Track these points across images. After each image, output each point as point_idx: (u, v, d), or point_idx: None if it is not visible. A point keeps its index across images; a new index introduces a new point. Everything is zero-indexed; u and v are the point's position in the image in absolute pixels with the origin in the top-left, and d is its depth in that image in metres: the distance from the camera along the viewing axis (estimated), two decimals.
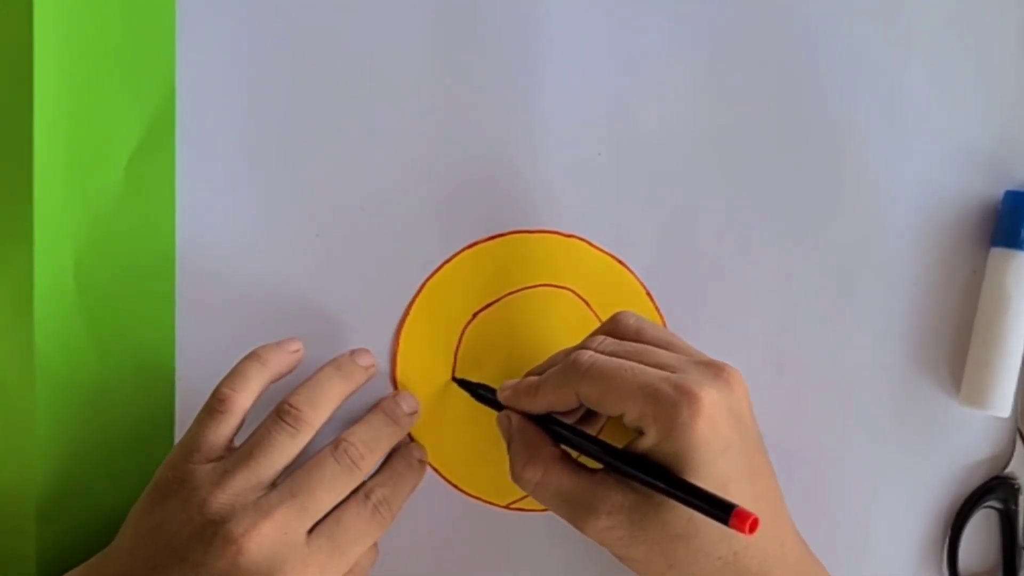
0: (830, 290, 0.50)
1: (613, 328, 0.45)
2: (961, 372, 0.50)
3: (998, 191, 0.50)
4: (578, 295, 0.49)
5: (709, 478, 0.39)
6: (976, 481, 0.51)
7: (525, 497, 0.49)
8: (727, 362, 0.42)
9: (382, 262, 0.48)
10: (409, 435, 0.48)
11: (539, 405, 0.44)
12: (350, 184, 0.48)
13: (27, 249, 0.45)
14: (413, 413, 0.47)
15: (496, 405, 0.46)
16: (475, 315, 0.49)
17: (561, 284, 0.49)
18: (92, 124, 0.46)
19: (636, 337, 0.44)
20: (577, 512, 0.42)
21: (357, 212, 0.48)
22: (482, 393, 0.48)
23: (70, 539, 0.46)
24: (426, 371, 0.49)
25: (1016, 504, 0.50)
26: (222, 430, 0.42)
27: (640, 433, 0.41)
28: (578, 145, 0.49)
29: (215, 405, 0.43)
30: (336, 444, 0.43)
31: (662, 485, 0.39)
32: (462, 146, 0.49)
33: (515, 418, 0.45)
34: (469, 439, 0.49)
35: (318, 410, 0.44)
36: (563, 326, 0.49)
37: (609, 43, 0.49)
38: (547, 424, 0.44)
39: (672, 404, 0.39)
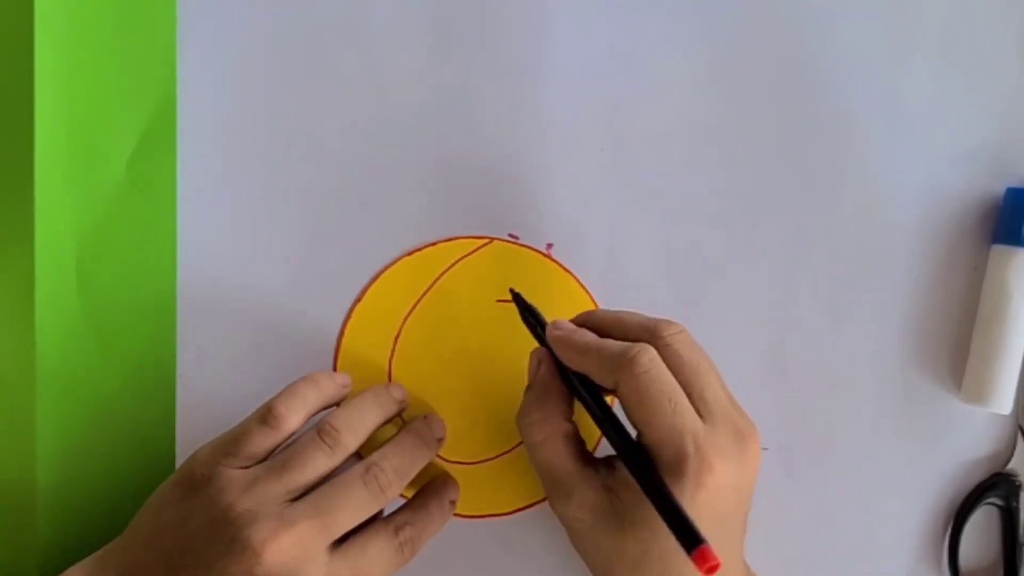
0: (831, 287, 0.50)
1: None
2: (962, 369, 0.50)
3: (999, 188, 0.50)
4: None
5: None
6: (977, 478, 0.51)
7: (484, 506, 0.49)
8: (753, 423, 0.43)
9: (383, 259, 0.48)
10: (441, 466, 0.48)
11: (580, 367, 0.43)
12: (351, 181, 0.48)
13: (28, 248, 0.45)
14: (442, 439, 0.47)
15: (536, 333, 0.45)
16: (410, 311, 0.49)
17: (509, 296, 0.48)
18: (93, 123, 0.46)
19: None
20: (553, 489, 0.43)
21: (358, 209, 0.48)
22: (529, 318, 0.46)
23: (73, 534, 0.46)
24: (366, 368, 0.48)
25: (1017, 501, 0.50)
26: (266, 444, 0.42)
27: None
28: (580, 141, 0.49)
29: (268, 420, 0.42)
30: (367, 467, 0.42)
31: (652, 492, 0.40)
32: (464, 143, 0.49)
33: (545, 366, 0.44)
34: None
35: (356, 436, 0.43)
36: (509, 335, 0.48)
37: (611, 40, 0.49)
38: (575, 380, 0.43)
39: (685, 464, 0.39)
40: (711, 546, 0.37)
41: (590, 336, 0.43)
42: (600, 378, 0.42)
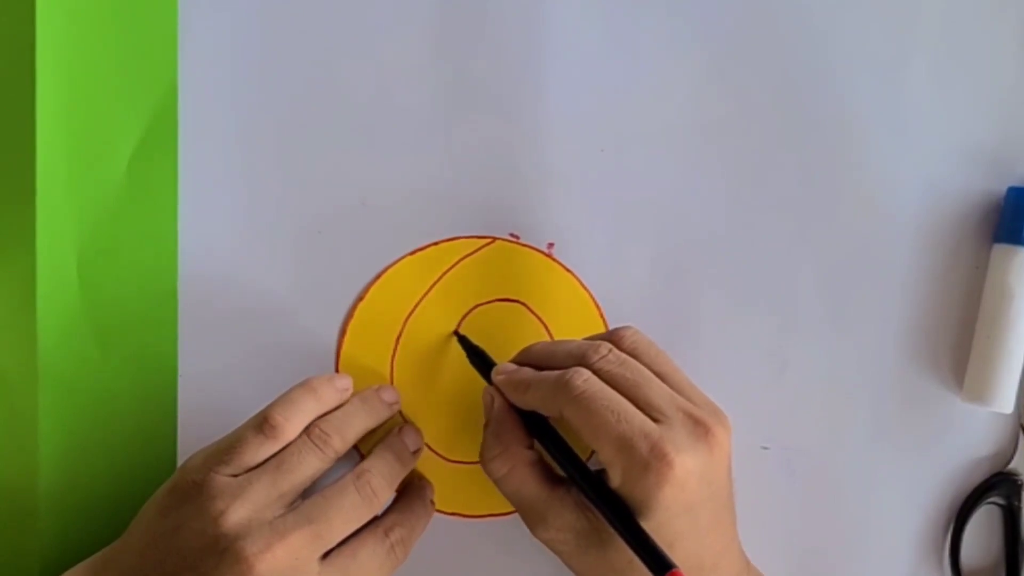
0: (832, 286, 0.50)
1: (615, 343, 0.44)
2: (963, 369, 0.50)
3: (1001, 187, 0.50)
4: (518, 301, 0.49)
5: (658, 532, 0.40)
6: (979, 477, 0.51)
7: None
8: (720, 409, 0.43)
9: (385, 259, 0.48)
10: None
11: (525, 404, 0.44)
12: (352, 181, 0.48)
13: (30, 248, 0.45)
14: (418, 451, 0.47)
15: (484, 373, 0.46)
16: (412, 310, 0.49)
17: (511, 296, 0.49)
18: (94, 122, 0.46)
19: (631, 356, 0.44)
20: (529, 517, 0.43)
21: (359, 209, 0.48)
22: (476, 360, 0.47)
23: (73, 535, 0.46)
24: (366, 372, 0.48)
25: (1019, 500, 0.50)
26: (261, 454, 0.42)
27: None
28: (581, 141, 0.49)
29: (264, 429, 0.42)
30: (358, 475, 0.43)
31: (616, 522, 0.40)
32: (465, 142, 0.49)
33: (498, 402, 0.45)
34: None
35: (345, 440, 0.43)
36: (508, 334, 0.49)
37: (612, 39, 0.49)
38: (529, 416, 0.44)
39: (642, 465, 0.39)
40: (681, 570, 0.37)
41: (528, 372, 0.44)
42: (546, 410, 0.43)
